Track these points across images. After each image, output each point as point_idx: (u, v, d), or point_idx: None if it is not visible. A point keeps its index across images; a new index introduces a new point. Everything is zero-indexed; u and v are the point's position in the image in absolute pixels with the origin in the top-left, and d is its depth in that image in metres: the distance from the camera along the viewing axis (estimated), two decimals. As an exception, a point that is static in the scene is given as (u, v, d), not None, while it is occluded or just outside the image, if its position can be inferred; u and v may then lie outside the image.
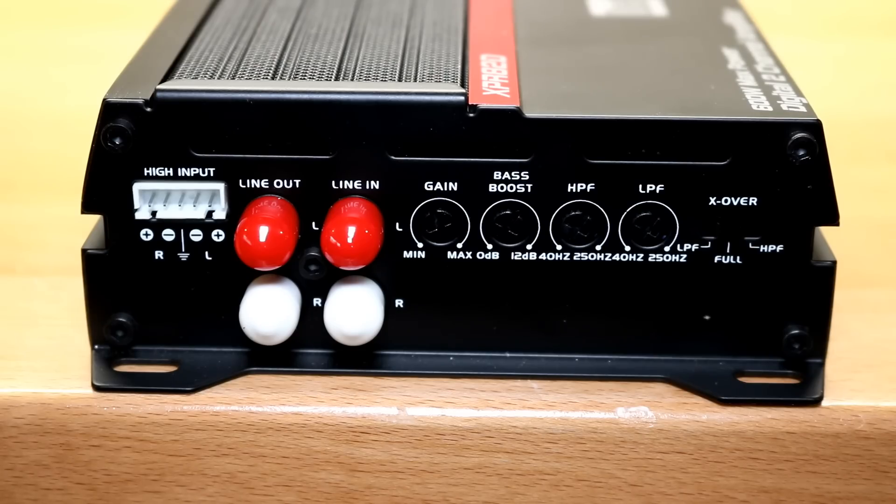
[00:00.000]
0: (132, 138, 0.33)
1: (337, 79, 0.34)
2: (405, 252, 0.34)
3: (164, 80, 0.34)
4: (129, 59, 0.36)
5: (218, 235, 0.34)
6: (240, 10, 0.40)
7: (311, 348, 0.35)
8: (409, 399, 0.34)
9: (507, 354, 0.35)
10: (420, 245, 0.34)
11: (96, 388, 0.34)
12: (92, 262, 0.34)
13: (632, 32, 0.40)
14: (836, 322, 0.35)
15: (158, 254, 0.34)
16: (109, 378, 0.34)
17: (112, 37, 0.57)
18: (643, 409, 0.33)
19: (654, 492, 0.34)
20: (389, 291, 0.34)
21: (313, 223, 0.34)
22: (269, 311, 0.33)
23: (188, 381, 0.34)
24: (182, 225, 0.34)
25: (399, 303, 0.35)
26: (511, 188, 0.33)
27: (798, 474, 0.34)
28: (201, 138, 0.33)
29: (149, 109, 0.33)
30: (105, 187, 0.33)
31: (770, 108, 0.33)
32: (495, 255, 0.34)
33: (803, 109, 0.33)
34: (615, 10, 0.42)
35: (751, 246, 0.34)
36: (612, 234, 0.34)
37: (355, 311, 0.33)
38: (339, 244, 0.32)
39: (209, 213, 0.34)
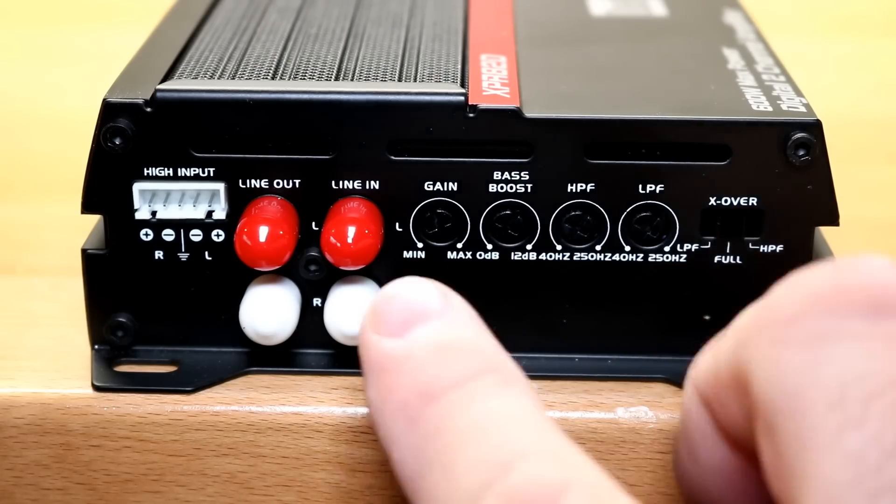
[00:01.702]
0: (132, 138, 0.33)
1: (337, 79, 0.34)
2: (405, 252, 0.34)
3: (164, 80, 0.34)
4: (129, 59, 0.36)
5: (218, 235, 0.34)
6: (240, 10, 0.40)
7: (311, 348, 0.35)
8: (409, 399, 0.33)
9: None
10: (420, 245, 0.34)
11: (96, 388, 0.34)
12: (92, 262, 0.34)
13: (632, 32, 0.40)
14: (836, 322, 0.34)
15: (158, 254, 0.34)
16: (109, 378, 0.34)
17: (112, 37, 0.57)
18: (643, 409, 0.33)
19: (653, 492, 0.34)
20: (389, 291, 0.34)
21: (313, 223, 0.34)
22: (269, 311, 0.33)
23: (188, 381, 0.34)
24: (182, 225, 0.34)
25: (399, 303, 0.34)
26: (511, 188, 0.33)
27: (798, 474, 0.33)
28: (201, 138, 0.33)
29: (149, 109, 0.33)
30: (105, 187, 0.33)
31: (770, 108, 0.33)
32: (495, 255, 0.34)
33: (803, 109, 0.33)
34: (615, 10, 0.42)
35: (751, 246, 0.34)
36: (612, 234, 0.34)
37: (355, 311, 0.33)
38: (339, 244, 0.32)
39: (209, 213, 0.34)
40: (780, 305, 0.25)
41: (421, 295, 0.28)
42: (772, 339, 0.24)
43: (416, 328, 0.27)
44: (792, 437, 0.23)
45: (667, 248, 0.34)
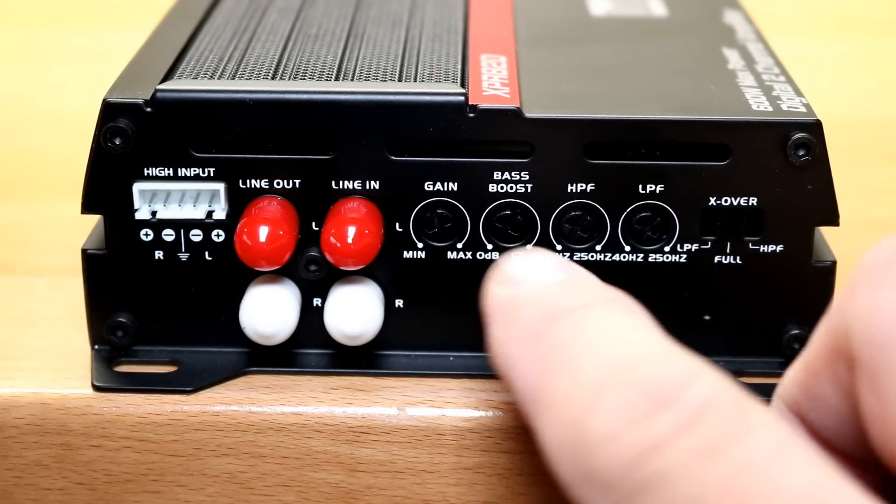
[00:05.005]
0: (132, 138, 0.33)
1: (337, 79, 0.34)
2: (405, 252, 0.34)
3: (164, 80, 0.34)
4: (129, 59, 0.36)
5: (218, 235, 0.34)
6: (240, 10, 0.40)
7: (311, 348, 0.35)
8: (409, 399, 0.34)
9: (507, 354, 0.35)
10: (420, 245, 0.34)
11: (96, 388, 0.34)
12: (92, 262, 0.34)
13: (632, 32, 0.40)
14: (836, 322, 0.34)
15: (158, 254, 0.34)
16: (109, 378, 0.34)
17: (112, 37, 0.57)
18: (643, 409, 0.33)
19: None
20: (389, 291, 0.34)
21: (313, 223, 0.34)
22: (269, 311, 0.33)
23: (188, 381, 0.34)
24: (182, 225, 0.34)
25: (399, 303, 0.35)
26: (511, 188, 0.33)
27: (798, 474, 0.33)
28: (201, 138, 0.33)
29: (149, 109, 0.33)
30: (105, 187, 0.33)
31: (770, 108, 0.33)
32: (495, 255, 0.34)
33: (803, 109, 0.33)
34: (615, 10, 0.42)
35: (751, 246, 0.34)
36: (612, 234, 0.34)
37: (355, 311, 0.33)
38: (339, 244, 0.32)
39: (209, 213, 0.34)
40: (872, 258, 0.25)
41: (543, 254, 0.29)
42: (869, 285, 0.24)
43: (540, 277, 0.28)
44: None
45: (667, 248, 0.34)
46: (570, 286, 0.27)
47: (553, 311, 0.26)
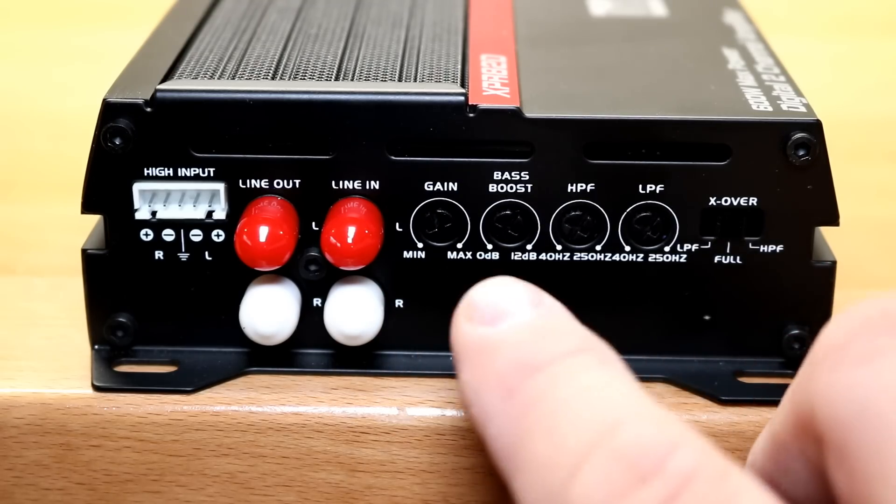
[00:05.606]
0: (132, 138, 0.33)
1: (337, 79, 0.34)
2: (405, 252, 0.34)
3: (164, 80, 0.34)
4: (129, 59, 0.36)
5: (218, 235, 0.34)
6: (240, 10, 0.40)
7: (311, 348, 0.35)
8: (409, 399, 0.34)
9: (507, 354, 0.35)
10: (420, 245, 0.34)
11: (96, 388, 0.34)
12: (92, 262, 0.34)
13: (632, 32, 0.40)
14: (836, 322, 0.34)
15: (158, 254, 0.34)
16: (109, 378, 0.34)
17: (112, 37, 0.57)
18: (643, 409, 0.33)
19: (654, 492, 0.34)
20: (389, 291, 0.34)
21: (313, 223, 0.34)
22: (269, 311, 0.33)
23: (188, 381, 0.34)
24: (182, 225, 0.34)
25: (399, 303, 0.35)
26: (511, 188, 0.33)
27: (798, 474, 0.33)
28: (201, 138, 0.33)
29: (149, 109, 0.33)
30: (105, 187, 0.33)
31: (770, 108, 0.33)
32: (495, 255, 0.34)
33: (803, 109, 0.33)
34: (615, 10, 0.42)
35: (751, 246, 0.34)
36: (612, 234, 0.34)
37: (355, 311, 0.33)
38: (339, 244, 0.32)
39: (209, 213, 0.34)
40: (832, 337, 0.25)
41: (514, 287, 0.28)
42: (830, 366, 0.25)
43: (512, 317, 0.27)
44: (866, 445, 0.23)
45: (667, 248, 0.34)
46: (543, 332, 0.27)
47: (527, 362, 0.26)
